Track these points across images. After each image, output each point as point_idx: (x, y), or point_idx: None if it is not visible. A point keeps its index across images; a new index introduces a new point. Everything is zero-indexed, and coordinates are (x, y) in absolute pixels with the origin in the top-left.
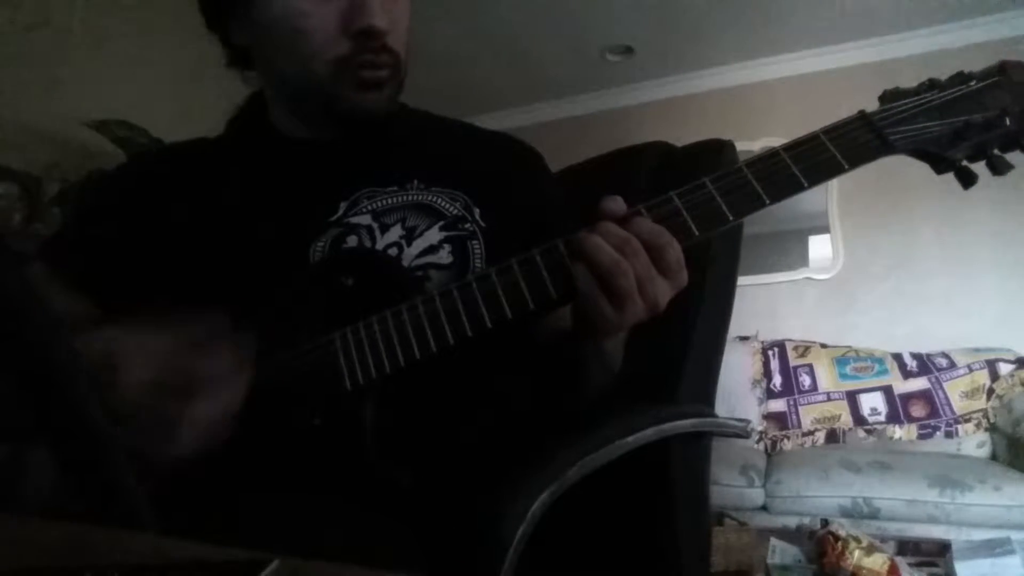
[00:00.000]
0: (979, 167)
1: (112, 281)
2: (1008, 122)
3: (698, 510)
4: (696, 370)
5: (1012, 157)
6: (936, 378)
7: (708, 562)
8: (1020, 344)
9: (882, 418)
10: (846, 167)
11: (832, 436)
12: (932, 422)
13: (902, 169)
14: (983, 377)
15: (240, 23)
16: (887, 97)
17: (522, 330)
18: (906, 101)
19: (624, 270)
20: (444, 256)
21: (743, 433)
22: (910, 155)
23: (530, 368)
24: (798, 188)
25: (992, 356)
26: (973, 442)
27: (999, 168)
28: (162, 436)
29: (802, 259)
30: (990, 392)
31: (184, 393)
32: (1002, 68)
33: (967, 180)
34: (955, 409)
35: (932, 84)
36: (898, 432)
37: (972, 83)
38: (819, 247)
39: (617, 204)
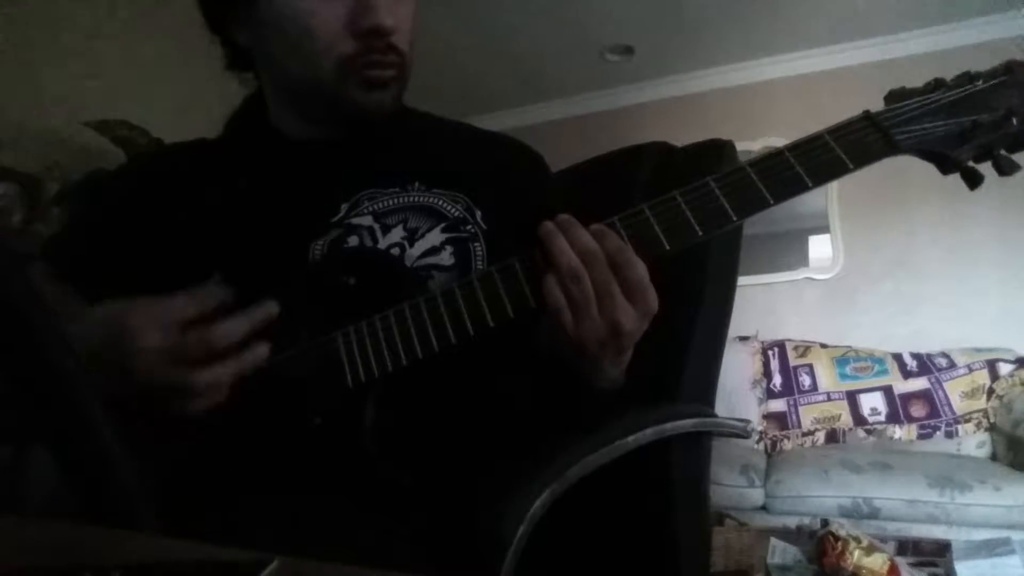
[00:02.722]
0: (985, 167)
1: (113, 282)
2: (1015, 123)
3: (698, 510)
4: (696, 370)
5: (1019, 158)
6: (936, 378)
7: (708, 562)
8: (1020, 344)
9: (882, 418)
10: (851, 167)
11: (832, 436)
12: (932, 422)
13: (903, 169)
14: (983, 377)
15: (243, 23)
16: (893, 97)
17: (526, 331)
18: (912, 101)
19: (578, 277)
20: (446, 258)
21: (743, 433)
22: (916, 155)
23: (531, 369)
24: (802, 188)
25: (992, 356)
26: (973, 442)
27: (1005, 168)
28: (178, 395)
29: (802, 259)
30: (990, 392)
31: (196, 358)
32: (1009, 68)
33: (973, 181)
34: (955, 409)
35: (938, 84)
36: (898, 432)
37: (979, 83)
38: (819, 247)
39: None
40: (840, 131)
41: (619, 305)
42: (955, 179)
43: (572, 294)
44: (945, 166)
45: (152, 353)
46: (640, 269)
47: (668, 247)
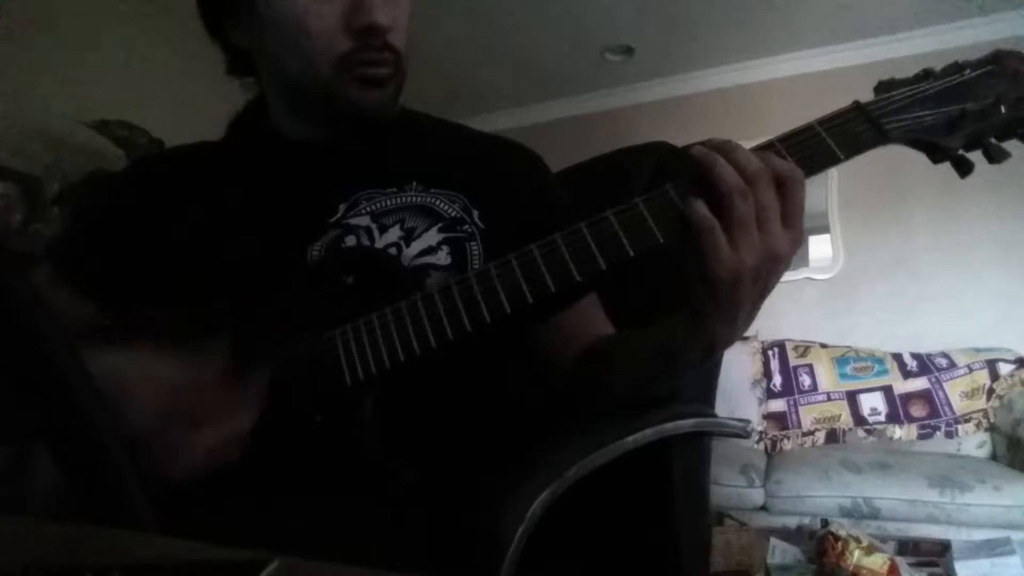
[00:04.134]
0: (976, 157)
1: (116, 284)
2: (1003, 110)
3: (698, 510)
4: (696, 370)
5: (1009, 146)
6: (936, 378)
7: (708, 562)
8: (1020, 344)
9: (882, 418)
10: (842, 157)
11: (832, 436)
12: (932, 422)
13: (902, 169)
14: (983, 377)
15: (241, 25)
16: (882, 87)
17: (527, 328)
18: (901, 91)
19: (745, 193)
20: (442, 257)
21: (743, 433)
22: (906, 144)
23: (531, 368)
24: None
25: (992, 356)
26: (973, 442)
27: (995, 156)
28: (167, 459)
29: (802, 259)
30: (990, 392)
31: (191, 421)
32: (996, 57)
33: (963, 169)
34: (955, 409)
35: (927, 74)
36: (898, 432)
37: (967, 72)
38: (819, 247)
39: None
40: (830, 121)
41: (779, 230)
42: (955, 179)
43: (735, 213)
44: (935, 155)
45: (145, 413)
46: (804, 195)
47: None
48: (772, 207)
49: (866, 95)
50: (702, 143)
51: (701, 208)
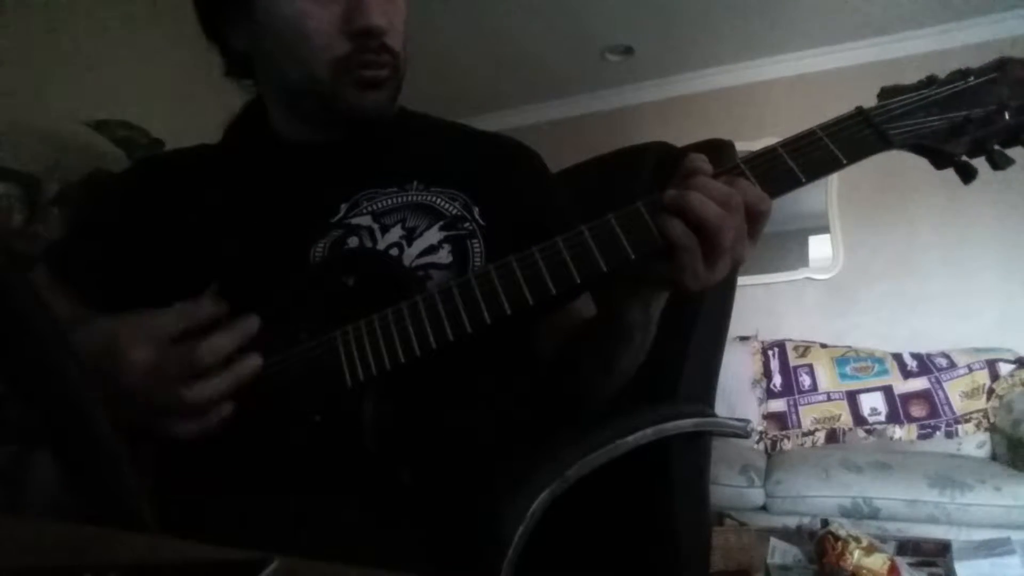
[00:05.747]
0: (979, 163)
1: (115, 287)
2: (1007, 116)
3: (698, 510)
4: (696, 370)
5: (1012, 152)
6: (936, 378)
7: (708, 562)
8: (1020, 344)
9: (882, 418)
10: (844, 162)
11: (832, 436)
12: (932, 422)
13: (902, 169)
14: (983, 377)
15: (239, 28)
16: (886, 93)
17: (526, 328)
18: (904, 97)
19: (729, 226)
20: (444, 256)
21: (743, 433)
22: (909, 150)
23: (531, 368)
24: (795, 184)
25: (992, 356)
26: (973, 442)
27: (999, 163)
28: (169, 416)
29: (802, 259)
30: (990, 392)
31: (185, 374)
32: (1000, 64)
33: (967, 175)
34: (955, 409)
35: (931, 80)
36: (898, 432)
37: (971, 79)
38: (819, 247)
39: (706, 163)
40: (833, 127)
41: (744, 246)
42: (956, 180)
43: (721, 243)
44: (939, 161)
45: (141, 367)
46: (769, 212)
47: None
48: (743, 230)
49: (866, 95)
50: (686, 165)
51: (681, 232)
